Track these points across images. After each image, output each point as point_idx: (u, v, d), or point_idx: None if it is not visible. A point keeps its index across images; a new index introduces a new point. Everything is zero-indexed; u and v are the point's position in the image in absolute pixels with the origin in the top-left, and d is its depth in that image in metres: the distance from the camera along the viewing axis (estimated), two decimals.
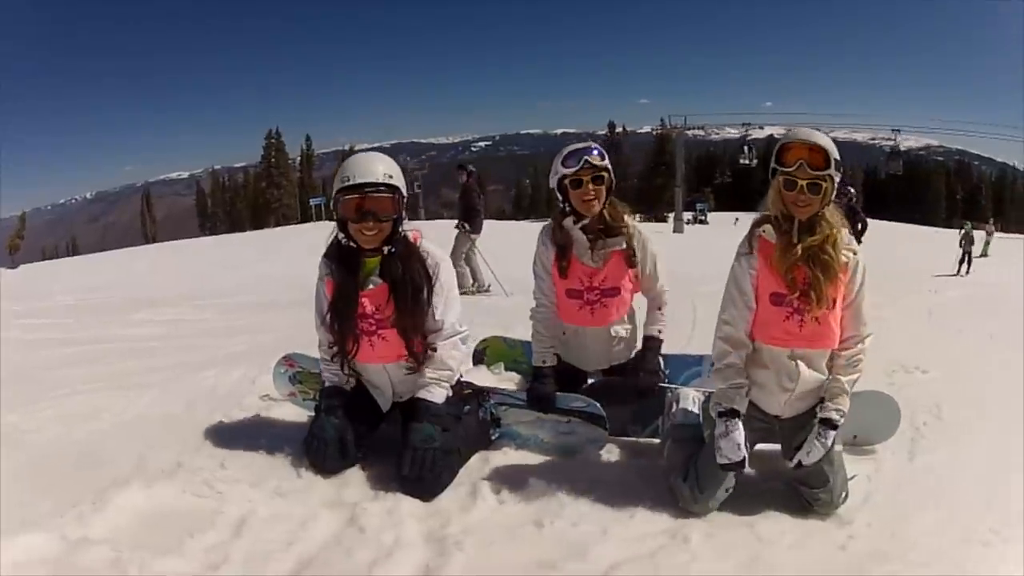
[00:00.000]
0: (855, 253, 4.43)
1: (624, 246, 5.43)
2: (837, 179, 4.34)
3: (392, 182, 4.62)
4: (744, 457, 4.29)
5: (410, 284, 4.72)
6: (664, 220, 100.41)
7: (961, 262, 34.78)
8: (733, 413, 4.38)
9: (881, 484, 4.83)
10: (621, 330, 5.65)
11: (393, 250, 4.73)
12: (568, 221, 5.39)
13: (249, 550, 3.76)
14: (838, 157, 4.31)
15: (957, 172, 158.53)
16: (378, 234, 4.64)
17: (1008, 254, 47.27)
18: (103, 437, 5.20)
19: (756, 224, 4.54)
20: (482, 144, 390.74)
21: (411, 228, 4.82)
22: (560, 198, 5.38)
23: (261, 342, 8.88)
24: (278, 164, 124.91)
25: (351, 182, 4.55)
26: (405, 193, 4.73)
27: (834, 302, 4.36)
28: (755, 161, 77.68)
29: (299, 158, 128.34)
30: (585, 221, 5.34)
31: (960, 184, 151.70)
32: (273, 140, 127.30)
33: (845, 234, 4.44)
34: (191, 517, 4.01)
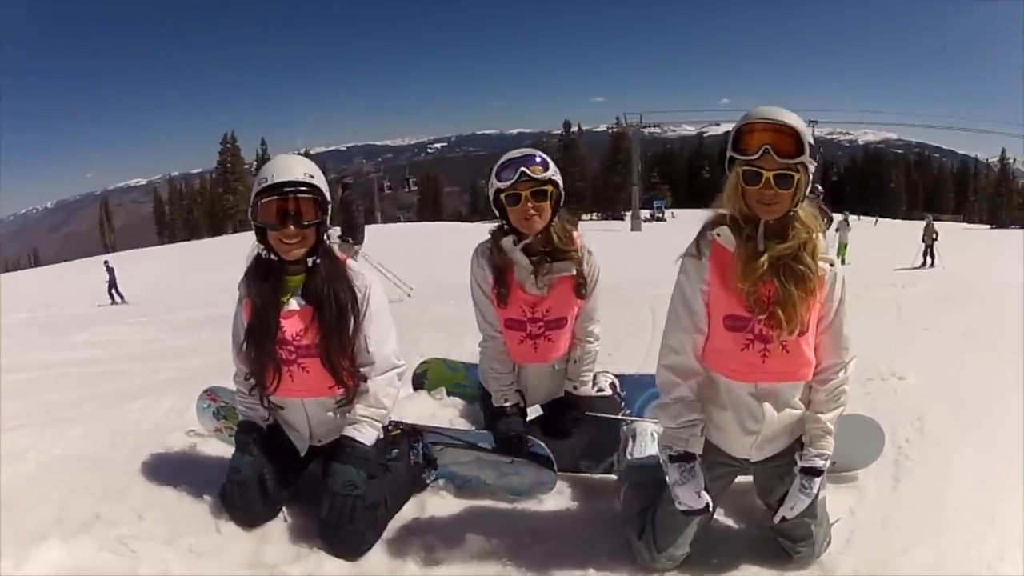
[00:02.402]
0: (832, 264, 3.71)
1: (573, 272, 4.83)
2: (812, 168, 3.57)
3: (313, 182, 4.16)
4: (707, 503, 3.71)
5: (335, 305, 4.26)
6: (621, 219, 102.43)
7: (924, 254, 34.89)
8: (688, 457, 3.76)
9: (865, 519, 4.40)
10: (563, 366, 5.12)
11: (317, 261, 4.29)
12: (507, 241, 4.76)
13: None
14: (812, 140, 3.58)
15: (917, 165, 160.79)
16: (301, 242, 4.18)
17: (972, 245, 47.40)
18: (27, 482, 4.86)
19: (708, 225, 3.77)
20: (438, 145, 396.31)
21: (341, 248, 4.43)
22: (497, 214, 4.78)
23: (196, 366, 8.82)
24: (234, 169, 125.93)
25: (269, 182, 4.11)
26: (328, 198, 4.28)
27: (807, 324, 3.67)
28: None
29: (255, 162, 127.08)
30: (527, 241, 4.73)
31: (921, 177, 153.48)
32: (229, 145, 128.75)
33: (822, 240, 3.71)
34: None
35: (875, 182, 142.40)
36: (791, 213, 3.60)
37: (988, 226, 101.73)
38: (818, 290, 3.64)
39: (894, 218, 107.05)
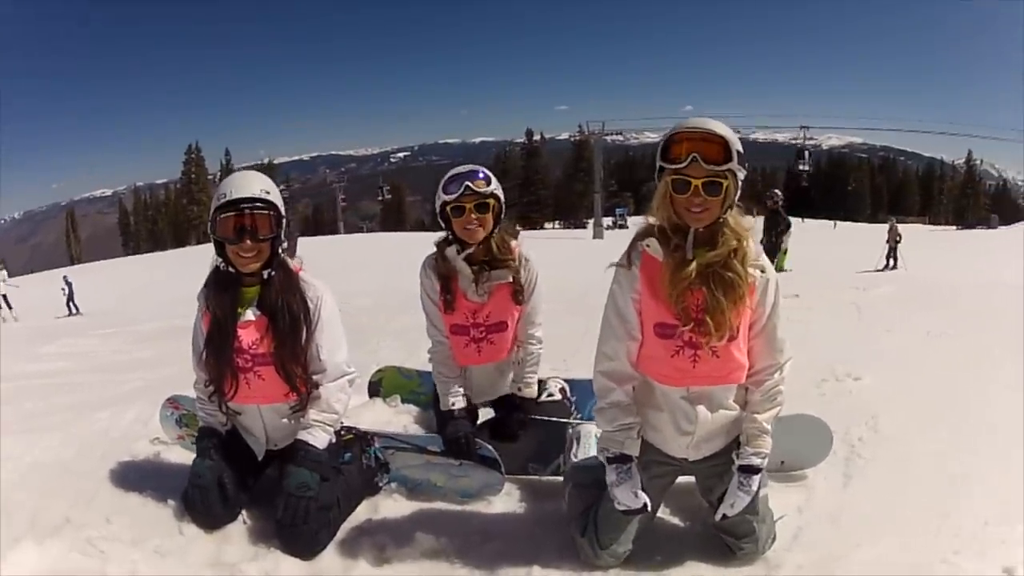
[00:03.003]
0: (763, 271, 3.77)
1: (510, 279, 5.10)
2: (741, 177, 3.64)
3: (269, 198, 4.34)
4: (645, 502, 3.80)
5: (288, 316, 4.44)
6: (584, 226, 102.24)
7: (888, 257, 34.93)
8: (624, 459, 3.87)
9: (813, 517, 4.46)
10: (507, 365, 5.37)
11: (272, 273, 4.47)
12: (451, 251, 5.03)
13: None
14: (740, 149, 3.61)
15: (882, 168, 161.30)
16: (257, 256, 4.36)
17: (937, 246, 47.49)
18: (4, 488, 4.93)
19: (638, 236, 3.87)
20: (401, 155, 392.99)
21: (294, 260, 4.56)
22: (443, 225, 5.04)
23: (160, 377, 8.86)
24: (198, 180, 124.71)
25: (227, 198, 4.28)
26: (283, 212, 4.47)
27: (737, 329, 3.74)
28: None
29: (219, 173, 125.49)
30: (469, 251, 4.98)
31: (886, 180, 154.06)
32: (193, 155, 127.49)
33: (753, 247, 3.77)
34: None
35: (839, 186, 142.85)
36: (720, 220, 3.67)
37: (954, 227, 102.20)
38: (748, 296, 3.71)
39: (857, 221, 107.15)
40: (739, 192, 3.67)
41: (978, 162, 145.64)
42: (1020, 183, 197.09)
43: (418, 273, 5.21)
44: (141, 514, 4.49)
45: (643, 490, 3.81)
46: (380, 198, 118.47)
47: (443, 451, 4.92)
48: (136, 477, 5.00)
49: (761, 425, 3.85)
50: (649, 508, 3.83)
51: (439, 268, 5.08)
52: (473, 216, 4.84)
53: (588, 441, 4.75)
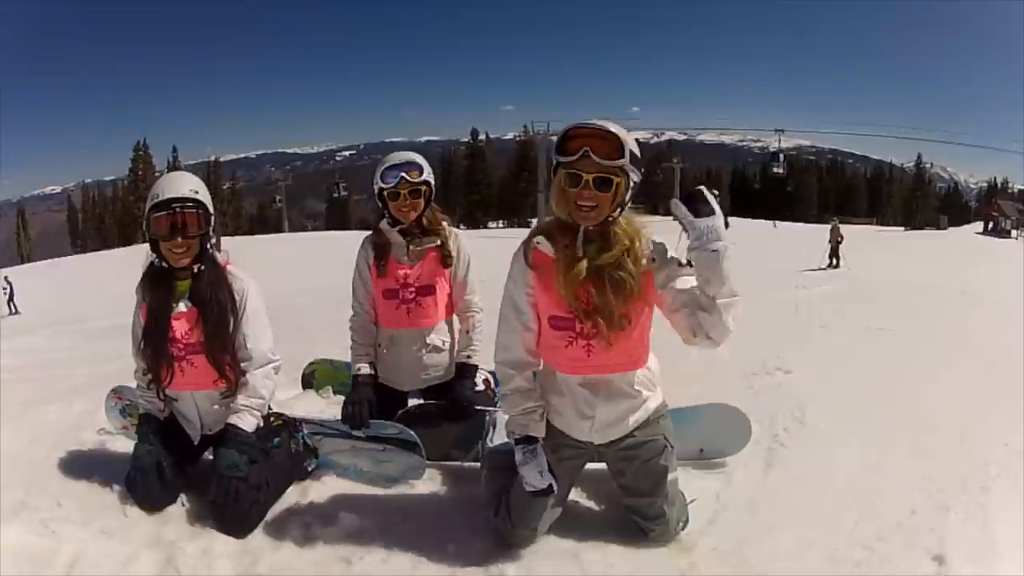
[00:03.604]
0: (655, 259, 3.83)
1: (438, 243, 5.48)
2: (635, 178, 3.75)
3: (198, 197, 4.63)
4: (551, 483, 3.90)
5: (216, 307, 4.71)
6: (528, 226, 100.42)
7: (830, 256, 35.16)
8: (529, 440, 4.02)
9: (730, 502, 4.58)
10: (437, 340, 5.62)
11: (203, 267, 4.72)
12: (385, 223, 5.47)
13: None
14: (635, 150, 3.71)
15: (830, 170, 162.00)
16: (188, 251, 4.63)
17: (883, 247, 47.71)
18: None
19: (532, 233, 4.05)
20: (346, 153, 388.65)
21: (221, 253, 4.85)
22: (380, 205, 5.44)
23: (104, 372, 8.86)
24: (145, 177, 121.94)
25: (160, 199, 4.56)
26: (212, 210, 4.73)
27: (631, 321, 3.86)
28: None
29: (166, 170, 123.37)
30: (403, 226, 5.41)
31: (833, 182, 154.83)
32: (141, 152, 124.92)
33: (647, 238, 3.88)
34: (33, 557, 4.00)
35: (787, 188, 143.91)
36: (611, 220, 3.79)
37: (902, 228, 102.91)
38: (646, 289, 3.83)
39: (806, 222, 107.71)
40: (631, 193, 3.78)
41: (928, 165, 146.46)
42: (972, 186, 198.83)
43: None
44: (89, 497, 4.64)
45: (551, 471, 3.93)
46: (336, 195, 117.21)
47: (368, 437, 5.13)
48: (84, 464, 5.16)
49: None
50: (555, 489, 3.92)
51: (375, 238, 5.52)
52: (407, 201, 5.29)
53: (503, 427, 4.80)
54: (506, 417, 4.32)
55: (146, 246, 4.76)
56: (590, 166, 3.66)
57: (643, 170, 3.80)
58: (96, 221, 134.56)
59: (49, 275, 53.36)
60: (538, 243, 3.95)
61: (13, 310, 38.00)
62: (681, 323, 3.76)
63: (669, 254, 3.85)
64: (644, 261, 3.82)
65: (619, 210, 3.80)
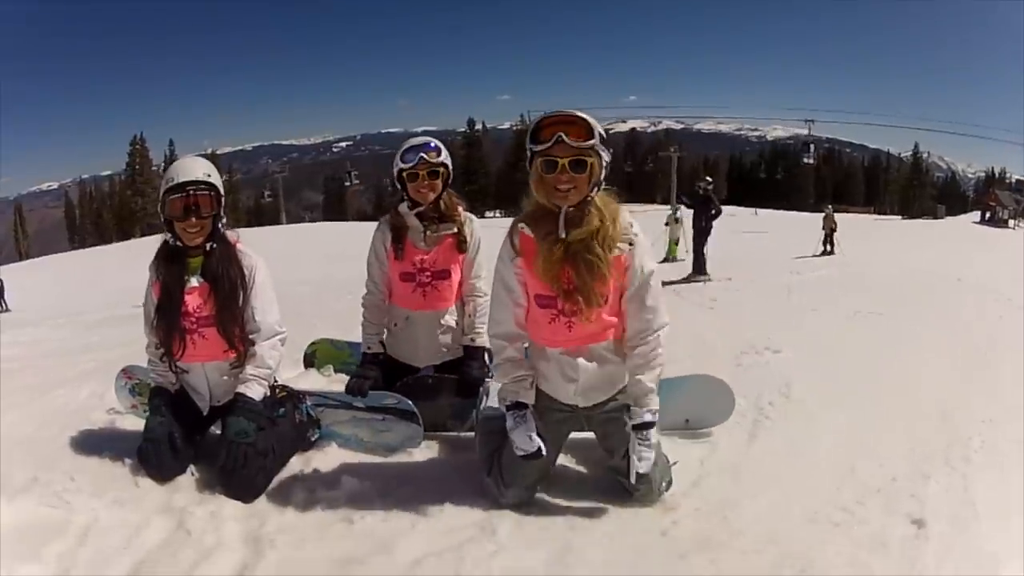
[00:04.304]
0: (632, 244, 4.15)
1: (455, 231, 5.64)
2: (606, 157, 4.04)
3: (210, 180, 4.87)
4: (539, 446, 4.15)
5: (227, 282, 4.92)
6: None
7: (824, 243, 35.18)
8: (519, 406, 4.29)
9: (714, 467, 4.79)
10: (451, 320, 5.82)
11: (214, 246, 4.94)
12: (404, 207, 5.60)
13: (92, 556, 3.86)
14: (603, 132, 4.02)
15: (827, 159, 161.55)
16: (201, 230, 4.86)
17: (879, 235, 47.65)
18: None
19: (518, 219, 4.30)
20: (343, 144, 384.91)
21: (231, 232, 5.03)
22: (399, 187, 5.60)
23: (109, 358, 8.89)
24: (142, 171, 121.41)
25: (175, 182, 4.78)
26: (223, 192, 4.98)
27: (606, 298, 4.14)
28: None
29: (163, 164, 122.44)
30: (420, 209, 5.55)
31: (831, 171, 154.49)
32: (138, 146, 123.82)
33: (624, 219, 4.15)
34: (46, 527, 4.10)
35: (784, 176, 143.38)
36: (588, 199, 4.06)
37: (899, 217, 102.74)
38: (616, 270, 4.12)
39: (802, 211, 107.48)
40: (604, 172, 4.07)
41: (925, 154, 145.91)
42: (970, 175, 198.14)
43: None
44: (100, 471, 4.79)
45: (540, 435, 4.19)
46: (348, 183, 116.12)
47: (368, 407, 5.36)
48: (95, 442, 5.29)
49: (645, 385, 4.19)
50: (544, 452, 4.17)
51: (393, 221, 5.67)
52: (426, 181, 5.46)
53: (495, 394, 4.91)
54: (498, 386, 4.54)
55: (146, 240, 4.94)
56: (564, 150, 3.95)
57: (610, 148, 4.08)
58: (94, 216, 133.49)
59: (49, 271, 53.19)
60: (523, 228, 4.21)
61: (4, 307, 38.10)
62: (626, 321, 4.29)
63: (637, 261, 4.18)
64: (620, 245, 4.11)
65: (595, 189, 4.07)
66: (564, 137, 3.91)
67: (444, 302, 5.75)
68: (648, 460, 4.10)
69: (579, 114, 3.97)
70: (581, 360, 4.26)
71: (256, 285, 4.99)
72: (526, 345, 4.46)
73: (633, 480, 4.16)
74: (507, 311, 4.36)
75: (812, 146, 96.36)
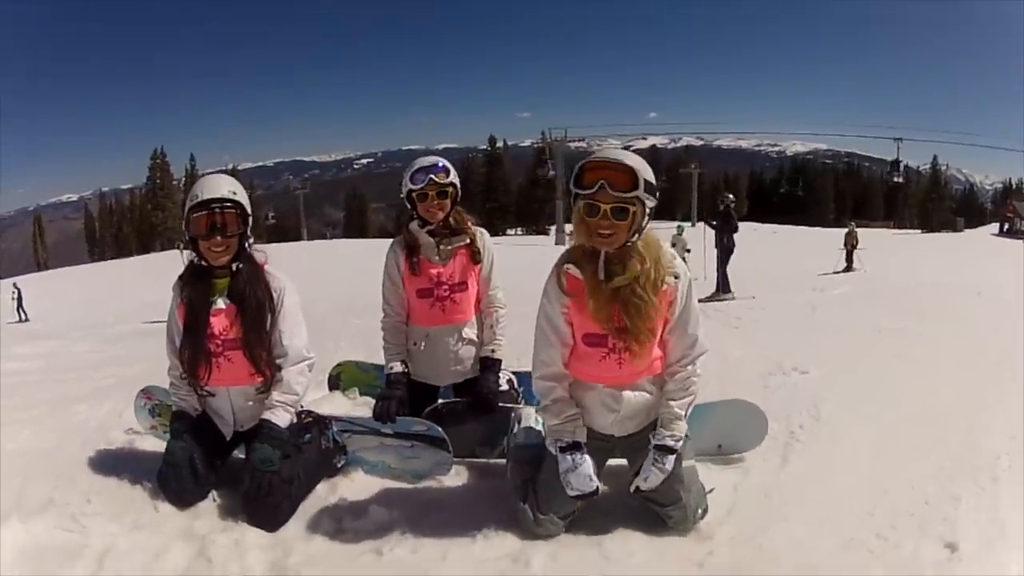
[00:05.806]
0: (677, 277, 4.14)
1: (467, 242, 5.63)
2: (650, 204, 3.98)
3: (236, 198, 4.76)
4: (597, 487, 4.12)
5: (254, 303, 4.82)
6: (546, 232, 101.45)
7: (847, 259, 35.11)
8: (576, 446, 4.19)
9: (748, 494, 4.72)
10: (471, 333, 5.78)
11: (240, 266, 4.84)
12: (415, 225, 5.58)
13: None
14: (650, 178, 3.96)
15: (847, 174, 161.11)
16: (226, 250, 4.75)
17: (900, 249, 47.55)
18: None
19: (562, 259, 4.26)
20: (364, 161, 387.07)
21: (258, 250, 4.95)
22: (409, 207, 5.58)
23: (129, 375, 8.97)
24: (163, 185, 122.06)
25: (199, 199, 4.67)
26: (249, 211, 4.87)
27: (654, 333, 4.14)
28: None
29: (184, 178, 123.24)
30: (431, 226, 5.54)
31: (850, 185, 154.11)
32: (158, 160, 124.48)
33: (666, 256, 4.16)
34: (62, 550, 4.05)
35: (804, 192, 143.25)
36: (630, 244, 4.02)
37: (919, 231, 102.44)
38: (663, 306, 4.11)
39: (823, 226, 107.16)
40: (648, 219, 4.01)
41: (944, 167, 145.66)
42: (988, 187, 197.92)
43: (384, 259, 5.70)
44: (119, 494, 4.74)
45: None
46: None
47: (396, 434, 5.26)
48: (113, 462, 5.24)
49: (675, 411, 4.21)
50: (599, 492, 4.13)
51: (405, 239, 5.63)
52: (435, 201, 5.44)
53: (528, 423, 4.99)
54: (530, 412, 4.71)
55: (166, 254, 4.86)
56: (606, 197, 3.89)
57: (664, 179, 3.97)
58: (114, 229, 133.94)
59: (68, 282, 53.42)
60: (569, 268, 4.16)
61: (23, 316, 38.72)
62: (667, 349, 4.30)
63: (680, 295, 4.18)
64: (667, 279, 4.10)
65: (636, 235, 4.02)
66: (607, 185, 3.86)
67: (463, 315, 5.72)
68: (654, 481, 4.13)
69: (626, 161, 3.89)
70: (626, 392, 4.22)
71: (284, 308, 4.90)
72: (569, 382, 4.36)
73: (632, 490, 4.21)
74: (554, 352, 4.29)
75: (902, 165, 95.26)
